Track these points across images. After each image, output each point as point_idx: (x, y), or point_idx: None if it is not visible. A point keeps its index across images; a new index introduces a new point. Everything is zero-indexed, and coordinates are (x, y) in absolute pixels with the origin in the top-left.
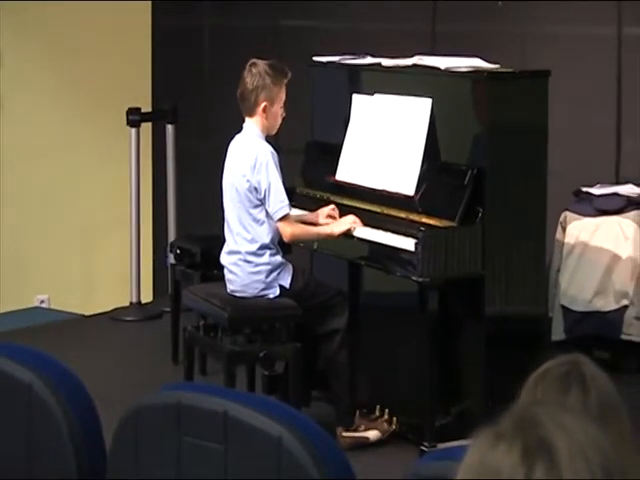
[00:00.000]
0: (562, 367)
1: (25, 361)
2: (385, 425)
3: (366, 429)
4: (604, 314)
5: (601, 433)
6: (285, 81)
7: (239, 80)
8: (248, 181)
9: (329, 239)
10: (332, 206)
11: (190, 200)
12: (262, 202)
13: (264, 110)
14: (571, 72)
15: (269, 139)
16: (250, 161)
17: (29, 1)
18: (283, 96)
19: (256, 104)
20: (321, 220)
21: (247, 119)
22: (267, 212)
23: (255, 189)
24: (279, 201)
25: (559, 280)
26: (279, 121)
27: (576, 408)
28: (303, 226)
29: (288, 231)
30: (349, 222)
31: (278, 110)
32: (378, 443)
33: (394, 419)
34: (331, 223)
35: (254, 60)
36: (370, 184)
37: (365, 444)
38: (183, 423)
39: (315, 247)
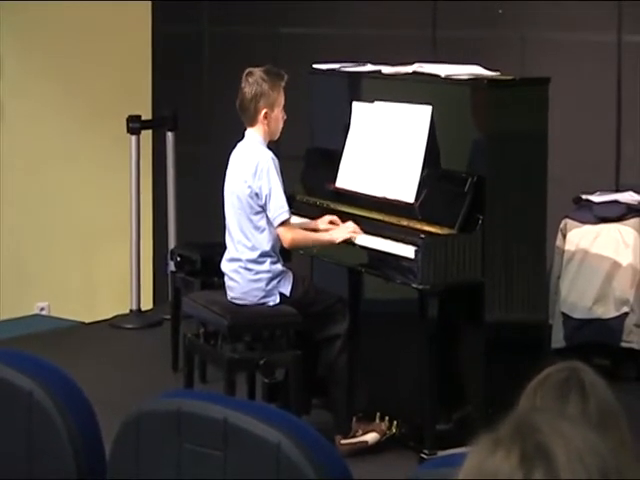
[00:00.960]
0: (561, 374)
1: (25, 368)
2: (382, 426)
3: (364, 433)
4: (604, 321)
5: (599, 439)
6: (282, 84)
7: (239, 87)
8: (249, 187)
9: (329, 245)
10: (335, 217)
11: (190, 207)
12: (263, 209)
13: (265, 117)
14: (571, 78)
15: (270, 146)
16: (251, 167)
17: (29, 1)
18: (282, 99)
19: (257, 112)
20: (321, 226)
21: (249, 128)
22: (268, 219)
23: (256, 195)
24: (279, 206)
25: (559, 287)
26: (281, 125)
27: (575, 415)
28: (303, 232)
29: (288, 236)
30: (350, 229)
31: (279, 114)
32: (378, 449)
33: (394, 423)
34: (332, 230)
35: (250, 69)
36: (370, 191)
37: (364, 448)
38: (183, 430)
39: (315, 251)
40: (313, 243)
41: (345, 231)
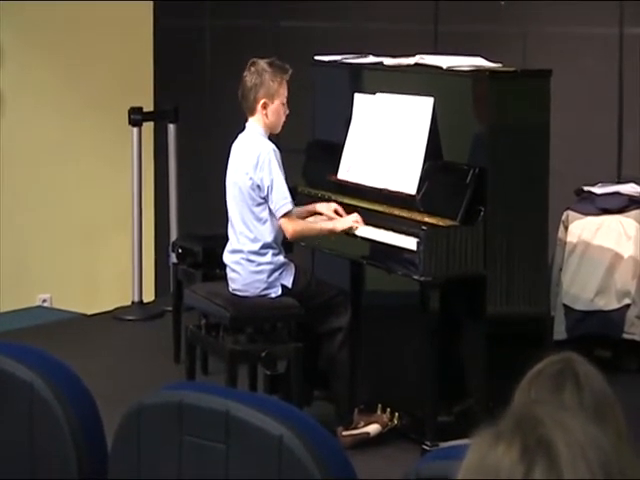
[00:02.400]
0: (555, 366)
1: (26, 360)
2: (384, 418)
3: (365, 424)
4: (606, 313)
5: (600, 432)
6: (285, 77)
7: (240, 80)
8: (251, 179)
9: (331, 235)
10: (339, 207)
11: (192, 199)
12: (265, 200)
13: (264, 107)
14: (573, 71)
15: (271, 138)
16: (253, 159)
17: (30, 1)
18: (284, 92)
19: (255, 101)
20: (319, 208)
21: (250, 119)
22: (270, 210)
23: (258, 187)
24: (282, 197)
25: (561, 279)
26: (282, 118)
27: (573, 407)
28: (306, 222)
29: (290, 228)
30: (352, 219)
31: (279, 107)
32: (380, 441)
33: (395, 415)
34: (335, 220)
35: (254, 59)
36: (372, 183)
37: (366, 439)
38: (185, 422)
39: (316, 242)
40: (316, 233)
41: (347, 221)
